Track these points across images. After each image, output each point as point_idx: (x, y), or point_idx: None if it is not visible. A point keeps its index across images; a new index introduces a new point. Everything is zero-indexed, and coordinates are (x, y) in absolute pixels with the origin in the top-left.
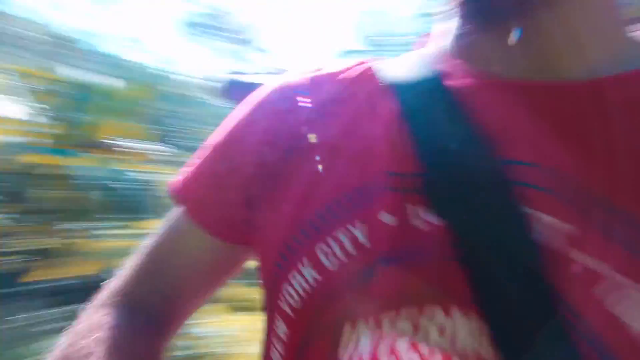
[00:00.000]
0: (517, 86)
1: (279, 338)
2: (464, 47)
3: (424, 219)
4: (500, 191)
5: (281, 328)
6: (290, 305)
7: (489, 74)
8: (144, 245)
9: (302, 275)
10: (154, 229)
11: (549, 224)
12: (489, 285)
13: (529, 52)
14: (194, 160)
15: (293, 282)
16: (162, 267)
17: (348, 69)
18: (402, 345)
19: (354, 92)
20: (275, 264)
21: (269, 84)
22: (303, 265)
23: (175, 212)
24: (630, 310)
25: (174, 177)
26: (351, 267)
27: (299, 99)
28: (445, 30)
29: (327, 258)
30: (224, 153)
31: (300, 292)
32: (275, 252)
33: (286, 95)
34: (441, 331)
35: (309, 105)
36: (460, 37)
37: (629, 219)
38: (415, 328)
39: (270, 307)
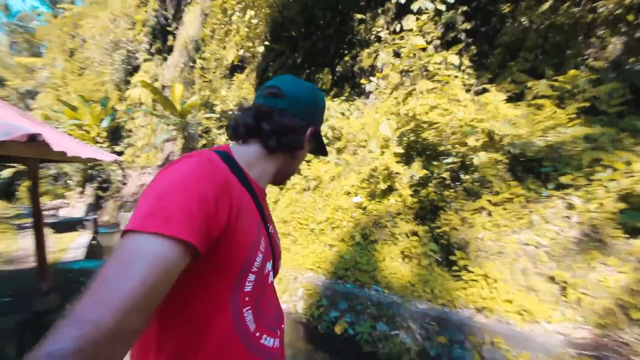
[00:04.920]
0: (260, 189)
1: (247, 297)
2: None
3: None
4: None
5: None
6: (254, 272)
7: (258, 185)
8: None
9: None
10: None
11: (272, 230)
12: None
13: (266, 181)
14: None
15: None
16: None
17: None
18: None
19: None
20: (244, 262)
21: (195, 158)
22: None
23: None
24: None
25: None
26: (264, 260)
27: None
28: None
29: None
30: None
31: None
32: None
33: (213, 169)
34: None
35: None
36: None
37: (273, 230)
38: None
39: (239, 285)
